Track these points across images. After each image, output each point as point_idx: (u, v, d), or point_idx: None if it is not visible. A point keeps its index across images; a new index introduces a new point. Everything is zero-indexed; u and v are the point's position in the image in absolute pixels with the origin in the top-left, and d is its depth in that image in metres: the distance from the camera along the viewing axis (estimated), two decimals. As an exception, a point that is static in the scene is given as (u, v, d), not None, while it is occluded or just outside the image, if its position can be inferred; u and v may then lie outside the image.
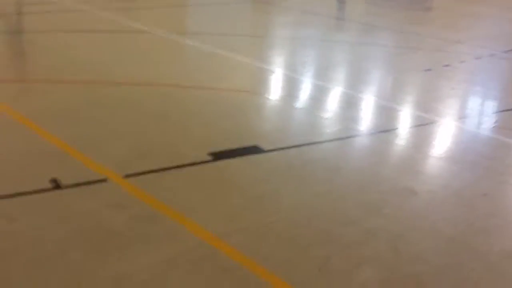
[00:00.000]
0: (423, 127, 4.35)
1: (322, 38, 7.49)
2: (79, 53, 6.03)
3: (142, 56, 5.87)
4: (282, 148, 3.69)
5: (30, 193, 2.83)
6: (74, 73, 5.26)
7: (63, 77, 5.08)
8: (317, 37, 7.56)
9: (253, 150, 3.60)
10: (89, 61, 5.58)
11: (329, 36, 7.61)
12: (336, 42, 7.31)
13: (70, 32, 7.05)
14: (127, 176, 3.08)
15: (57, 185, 2.92)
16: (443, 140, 4.19)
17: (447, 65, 6.29)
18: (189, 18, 8.75)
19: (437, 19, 10.32)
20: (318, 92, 5.19)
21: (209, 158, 3.42)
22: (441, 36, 7.99)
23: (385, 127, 4.27)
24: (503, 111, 4.93)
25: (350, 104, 4.81)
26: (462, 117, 4.72)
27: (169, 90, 4.80)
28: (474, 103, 5.25)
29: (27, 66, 5.17)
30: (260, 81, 5.41)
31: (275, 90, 5.22)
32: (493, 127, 4.44)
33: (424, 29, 8.63)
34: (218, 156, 3.46)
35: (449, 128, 4.45)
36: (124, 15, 7.71)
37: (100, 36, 6.63)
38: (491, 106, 5.13)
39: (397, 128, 4.35)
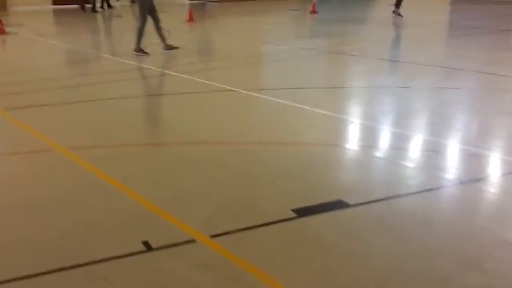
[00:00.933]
0: (518, 173, 4.10)
1: (400, 85, 7.38)
2: (164, 115, 6.30)
3: (222, 114, 6.02)
4: (368, 202, 3.58)
5: (124, 256, 2.92)
6: (161, 135, 5.48)
7: (149, 140, 5.30)
8: (395, 84, 7.45)
9: (338, 204, 3.53)
10: (171, 122, 5.80)
11: (407, 82, 7.48)
12: (415, 88, 7.17)
13: (152, 96, 7.42)
14: (214, 236, 3.10)
15: (148, 247, 2.99)
16: (542, 186, 3.91)
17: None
18: (266, 74, 8.95)
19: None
20: (400, 141, 5.06)
21: (293, 214, 3.38)
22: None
23: (475, 175, 4.06)
24: None
25: (435, 152, 4.64)
26: (561, 160, 4.41)
27: (250, 147, 4.87)
28: None
29: (115, 131, 5.45)
30: (339, 132, 5.37)
31: (355, 141, 5.15)
32: None
33: (507, 70, 8.29)
34: (302, 212, 3.41)
35: (548, 173, 4.16)
36: (202, 75, 8.01)
37: (180, 97, 6.91)
38: None
39: (488, 176, 4.13)
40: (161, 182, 4.03)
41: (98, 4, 19.79)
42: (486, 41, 11.59)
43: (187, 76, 7.99)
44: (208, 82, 7.52)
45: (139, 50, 9.66)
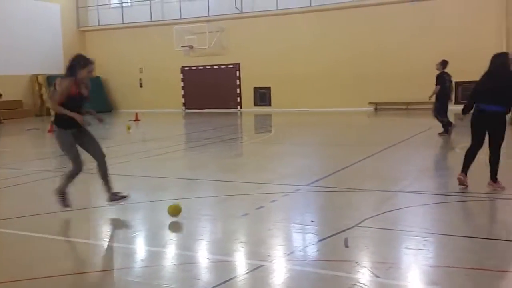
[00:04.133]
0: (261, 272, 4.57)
1: (143, 200, 7.60)
2: None
3: None
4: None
5: None
6: None
7: None
8: (139, 200, 7.64)
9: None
10: None
11: (150, 197, 7.74)
12: (156, 202, 7.47)
13: None
14: None
15: None
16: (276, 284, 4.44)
17: (260, 207, 6.81)
18: (-1, 202, 8.25)
19: (247, 164, 11.25)
20: (147, 258, 5.16)
21: None
22: (253, 179, 8.72)
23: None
24: (322, 240, 5.46)
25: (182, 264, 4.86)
26: (287, 254, 5.08)
27: None
28: (292, 239, 5.71)
29: None
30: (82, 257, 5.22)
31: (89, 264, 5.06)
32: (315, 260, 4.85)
33: (237, 176, 9.32)
34: None
35: (277, 270, 4.74)
36: None
37: None
38: (309, 239, 5.62)
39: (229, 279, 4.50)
40: None
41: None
42: (216, 150, 12.91)
43: None
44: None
45: None
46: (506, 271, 4.60)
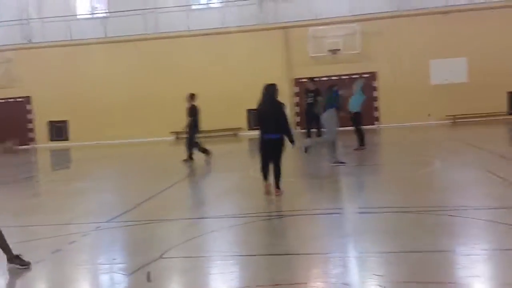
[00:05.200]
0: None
1: None
2: None
3: None
4: None
5: None
6: None
7: None
8: None
9: None
10: None
11: None
12: None
13: None
14: None
15: None
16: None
17: (57, 251, 6.40)
18: None
19: (43, 205, 10.47)
20: None
21: None
22: (50, 221, 8.16)
23: None
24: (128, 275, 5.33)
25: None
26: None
27: None
28: (95, 281, 5.48)
29: None
30: None
31: None
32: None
33: (31, 219, 8.62)
34: None
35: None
36: None
37: None
38: (114, 278, 5.44)
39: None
40: None
41: None
42: (9, 192, 11.80)
43: None
44: None
45: None
46: (295, 284, 5.01)
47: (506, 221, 6.51)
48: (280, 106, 8.61)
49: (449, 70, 22.07)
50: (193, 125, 14.06)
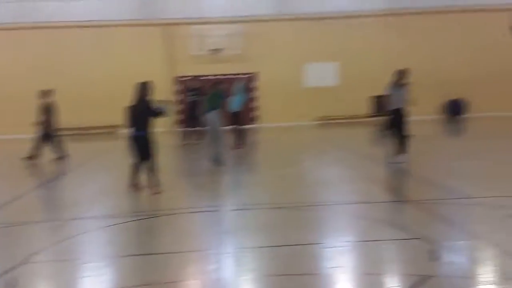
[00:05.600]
0: None
1: None
2: None
3: None
4: None
5: None
6: None
7: None
8: None
9: None
10: None
11: None
12: None
13: None
14: None
15: None
16: None
17: None
18: None
19: None
20: None
21: None
22: None
23: None
24: None
25: None
26: None
27: None
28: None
29: None
30: None
31: None
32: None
33: None
34: None
35: None
36: None
37: None
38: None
39: None
40: None
41: None
42: None
43: None
44: None
45: None
46: (167, 283, 4.97)
47: (369, 215, 7.04)
48: (148, 103, 8.69)
49: (322, 74, 23.20)
50: (47, 124, 13.19)
